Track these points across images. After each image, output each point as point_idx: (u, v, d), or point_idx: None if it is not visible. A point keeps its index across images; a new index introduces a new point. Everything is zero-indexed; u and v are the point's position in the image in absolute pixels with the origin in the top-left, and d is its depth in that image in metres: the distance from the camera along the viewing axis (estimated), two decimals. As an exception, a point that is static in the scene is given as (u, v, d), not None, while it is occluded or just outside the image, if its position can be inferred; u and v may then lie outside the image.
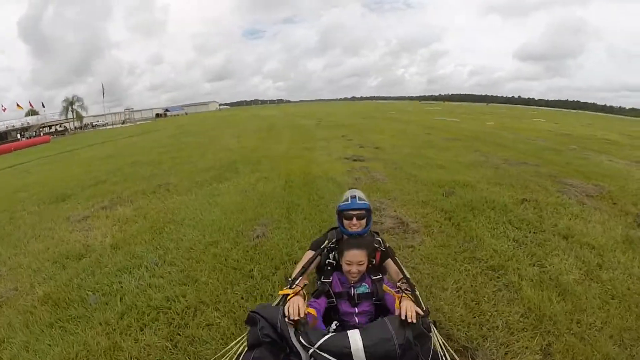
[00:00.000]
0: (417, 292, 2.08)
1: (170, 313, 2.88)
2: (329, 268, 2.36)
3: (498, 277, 3.25)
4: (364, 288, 2.23)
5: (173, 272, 3.53)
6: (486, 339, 2.47)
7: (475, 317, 2.70)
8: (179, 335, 2.63)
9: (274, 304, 2.01)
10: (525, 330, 2.56)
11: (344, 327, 2.10)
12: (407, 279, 2.19)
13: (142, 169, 9.65)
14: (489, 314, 2.73)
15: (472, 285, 3.12)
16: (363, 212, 2.37)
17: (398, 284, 2.13)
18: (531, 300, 2.85)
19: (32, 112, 52.93)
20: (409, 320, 1.74)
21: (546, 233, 4.21)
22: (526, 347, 2.38)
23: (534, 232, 4.24)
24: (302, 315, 1.83)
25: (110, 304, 3.02)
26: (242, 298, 3.04)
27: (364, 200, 2.42)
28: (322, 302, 2.20)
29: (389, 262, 2.39)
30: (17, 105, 51.51)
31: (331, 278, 2.28)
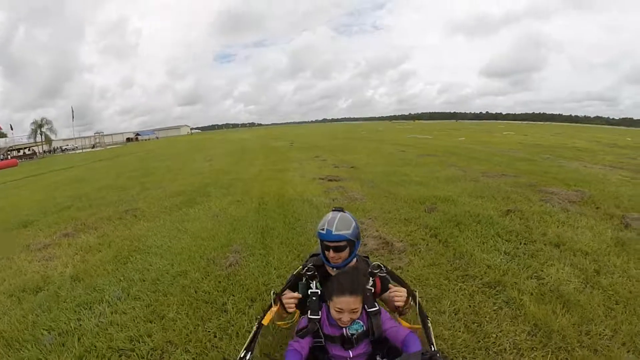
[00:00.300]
0: (429, 324, 1.88)
1: (134, 356, 2.48)
2: (314, 298, 1.94)
3: (496, 294, 3.01)
4: (358, 326, 1.83)
5: (137, 308, 3.15)
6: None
7: (479, 340, 2.42)
8: None
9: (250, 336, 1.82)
10: (535, 349, 2.30)
11: None
12: (409, 289, 1.98)
13: (109, 195, 9.20)
14: (494, 335, 2.46)
15: (470, 306, 2.85)
16: (342, 243, 1.96)
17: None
18: (536, 316, 2.62)
19: (0, 135, 50.92)
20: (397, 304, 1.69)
21: (537, 243, 4.09)
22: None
23: (525, 244, 4.11)
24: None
25: (67, 345, 2.66)
26: (215, 336, 2.64)
27: (343, 231, 1.96)
28: (306, 343, 1.83)
29: (390, 293, 2.04)
30: (-16, 127, 49.47)
31: (320, 313, 1.88)
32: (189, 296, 3.26)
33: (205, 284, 3.48)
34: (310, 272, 2.04)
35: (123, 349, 2.56)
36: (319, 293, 1.95)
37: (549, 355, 2.23)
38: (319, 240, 2.06)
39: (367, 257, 2.30)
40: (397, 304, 1.98)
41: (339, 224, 1.97)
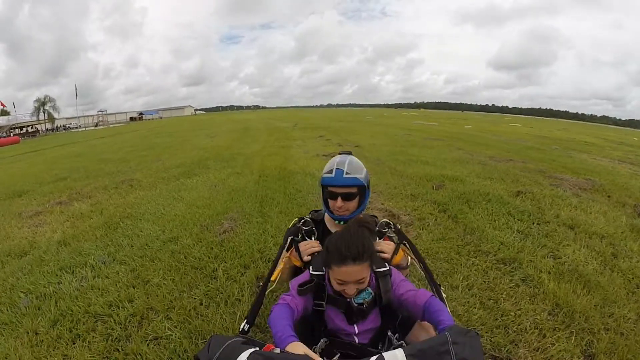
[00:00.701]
0: (444, 295, 1.51)
1: (111, 322, 2.28)
2: (317, 254, 1.58)
3: (512, 271, 2.81)
4: (366, 294, 1.38)
5: (121, 272, 2.96)
6: (517, 344, 1.99)
7: (497, 318, 2.21)
8: (118, 351, 2.01)
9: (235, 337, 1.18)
10: (557, 329, 2.10)
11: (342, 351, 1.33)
12: (431, 277, 1.56)
13: (108, 166, 9.03)
14: (512, 313, 2.26)
15: (485, 282, 2.65)
16: (353, 190, 1.62)
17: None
18: (556, 295, 2.42)
19: (4, 113, 50.35)
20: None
21: (550, 224, 3.91)
22: (565, 350, 1.92)
23: (538, 224, 3.93)
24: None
25: (42, 309, 2.50)
26: (201, 304, 2.43)
27: (356, 174, 1.62)
28: (302, 302, 1.37)
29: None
30: (-13, 103, 48.79)
31: (325, 270, 1.42)
32: (178, 262, 3.06)
33: (195, 250, 3.27)
34: (307, 226, 1.69)
35: (100, 314, 2.38)
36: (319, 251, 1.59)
37: (573, 338, 2.03)
38: (320, 190, 1.73)
39: (375, 216, 1.87)
40: (382, 255, 1.55)
41: (349, 166, 1.62)
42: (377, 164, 7.49)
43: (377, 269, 1.43)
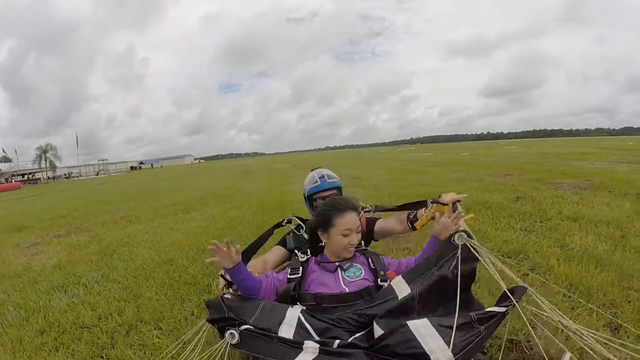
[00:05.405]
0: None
1: (96, 331, 2.19)
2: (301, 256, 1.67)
3: (519, 263, 2.70)
4: (356, 269, 1.50)
5: (114, 290, 2.91)
6: (533, 326, 1.85)
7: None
8: (102, 357, 1.91)
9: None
10: (575, 308, 1.96)
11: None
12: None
13: (107, 206, 9.15)
14: (524, 300, 2.12)
15: (492, 274, 2.53)
16: (335, 191, 1.99)
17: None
18: (569, 276, 2.29)
19: (5, 160, 51.28)
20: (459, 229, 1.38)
21: (554, 220, 3.84)
22: (588, 325, 1.78)
23: (541, 221, 3.86)
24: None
25: (30, 321, 2.49)
26: (193, 314, 2.32)
27: (335, 179, 2.04)
28: (273, 277, 1.49)
29: (380, 223, 1.92)
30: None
31: (300, 271, 1.53)
32: (171, 279, 2.98)
33: (191, 269, 3.19)
34: (292, 223, 1.99)
35: (88, 325, 2.30)
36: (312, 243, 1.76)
37: (595, 313, 1.90)
38: (306, 203, 2.11)
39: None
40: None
41: (328, 174, 2.04)
42: (376, 190, 7.49)
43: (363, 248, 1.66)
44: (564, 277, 2.31)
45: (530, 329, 1.30)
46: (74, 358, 1.95)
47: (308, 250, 1.68)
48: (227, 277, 1.39)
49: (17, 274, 3.69)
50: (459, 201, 1.57)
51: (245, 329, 1.14)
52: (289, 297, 1.40)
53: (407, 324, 1.07)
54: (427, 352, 0.99)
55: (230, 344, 1.11)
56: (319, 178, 2.01)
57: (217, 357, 1.11)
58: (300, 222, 1.98)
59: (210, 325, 1.26)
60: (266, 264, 1.84)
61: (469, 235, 1.40)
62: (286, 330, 1.19)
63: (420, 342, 1.02)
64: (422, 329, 1.05)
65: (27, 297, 2.91)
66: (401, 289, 1.31)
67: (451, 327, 1.05)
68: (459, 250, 1.36)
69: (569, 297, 2.10)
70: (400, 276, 1.37)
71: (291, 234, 1.98)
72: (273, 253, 1.95)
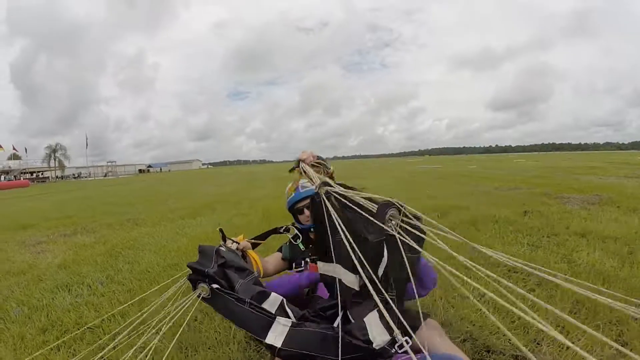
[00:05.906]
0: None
1: (99, 332, 2.24)
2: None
3: (525, 278, 2.70)
4: None
5: (118, 292, 2.98)
6: (539, 343, 1.86)
7: (514, 321, 2.09)
8: (102, 358, 1.95)
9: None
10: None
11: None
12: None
13: (114, 208, 9.24)
14: (530, 316, 2.12)
15: (497, 290, 2.53)
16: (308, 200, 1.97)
17: None
18: (575, 293, 2.28)
19: (15, 157, 52.03)
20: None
21: (561, 235, 3.83)
22: (594, 342, 1.79)
23: (548, 236, 3.85)
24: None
25: (33, 319, 2.55)
26: (196, 319, 2.37)
27: (307, 187, 1.98)
28: (295, 278, 1.67)
29: None
30: (-1, 146, 50.47)
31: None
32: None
33: None
34: (289, 232, 2.04)
35: (91, 325, 2.34)
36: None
37: (602, 328, 1.91)
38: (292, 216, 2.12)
39: None
40: None
41: (302, 185, 2.01)
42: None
43: None
44: (571, 293, 2.31)
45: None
46: (74, 357, 1.99)
47: (302, 262, 1.81)
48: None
49: (21, 271, 3.76)
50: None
51: (217, 288, 1.15)
52: (303, 294, 1.55)
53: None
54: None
55: (203, 297, 1.13)
56: (293, 192, 2.04)
57: (186, 308, 1.12)
58: (298, 232, 2.01)
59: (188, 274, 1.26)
60: (267, 263, 1.92)
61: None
62: (267, 308, 1.20)
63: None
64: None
65: (31, 295, 2.98)
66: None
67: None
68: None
69: (575, 313, 2.11)
70: None
71: (288, 243, 2.03)
72: (272, 257, 2.04)
